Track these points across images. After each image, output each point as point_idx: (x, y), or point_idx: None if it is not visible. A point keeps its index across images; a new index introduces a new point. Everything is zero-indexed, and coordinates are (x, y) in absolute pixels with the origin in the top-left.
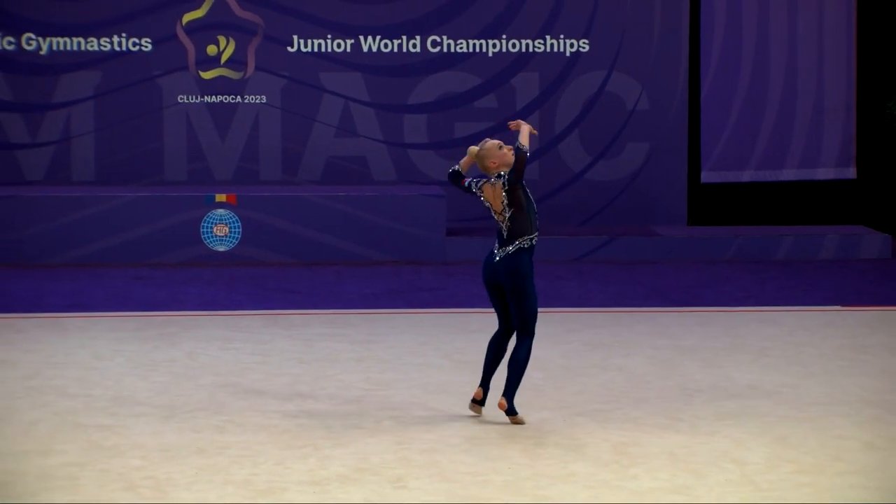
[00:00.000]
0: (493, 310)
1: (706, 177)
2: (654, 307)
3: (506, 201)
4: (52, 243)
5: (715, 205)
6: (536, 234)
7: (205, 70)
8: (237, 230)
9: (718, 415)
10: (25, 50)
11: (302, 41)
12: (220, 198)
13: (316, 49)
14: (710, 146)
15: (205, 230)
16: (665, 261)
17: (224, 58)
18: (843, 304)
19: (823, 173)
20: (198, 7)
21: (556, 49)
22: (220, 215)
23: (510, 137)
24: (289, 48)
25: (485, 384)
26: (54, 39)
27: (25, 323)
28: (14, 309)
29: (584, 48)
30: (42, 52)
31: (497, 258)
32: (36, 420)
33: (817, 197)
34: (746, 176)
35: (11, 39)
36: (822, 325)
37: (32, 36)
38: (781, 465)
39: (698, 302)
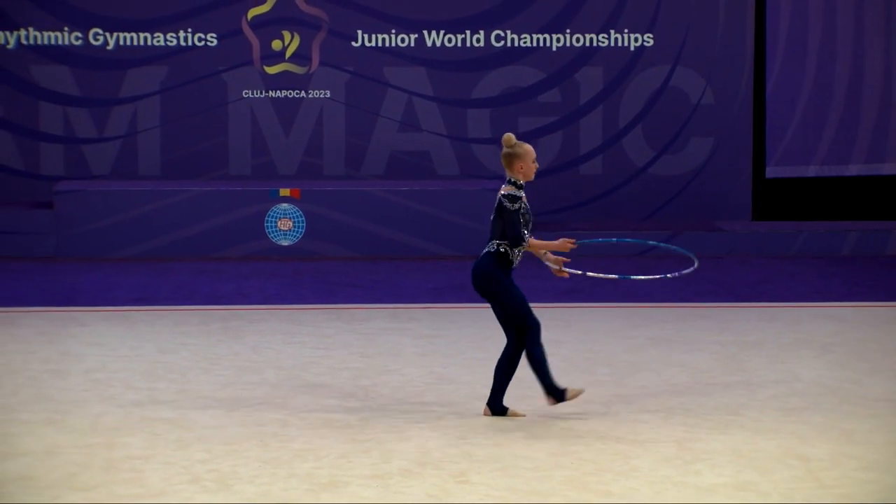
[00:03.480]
0: (533, 304)
1: (771, 171)
2: (719, 302)
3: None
4: (118, 237)
5: (780, 200)
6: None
7: (269, 65)
8: (301, 224)
9: (783, 411)
10: (92, 45)
11: (366, 36)
12: (284, 192)
13: (380, 44)
14: (775, 141)
15: (269, 224)
16: (729, 256)
17: (289, 53)
18: None
19: (890, 168)
20: (263, 2)
21: (620, 43)
22: (284, 210)
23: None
24: (353, 43)
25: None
26: (121, 35)
27: (91, 316)
28: (80, 302)
29: (648, 42)
30: (109, 48)
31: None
32: (101, 413)
33: (884, 192)
34: (812, 171)
35: (79, 35)
36: (888, 321)
37: (100, 31)
38: (846, 462)
39: (763, 297)
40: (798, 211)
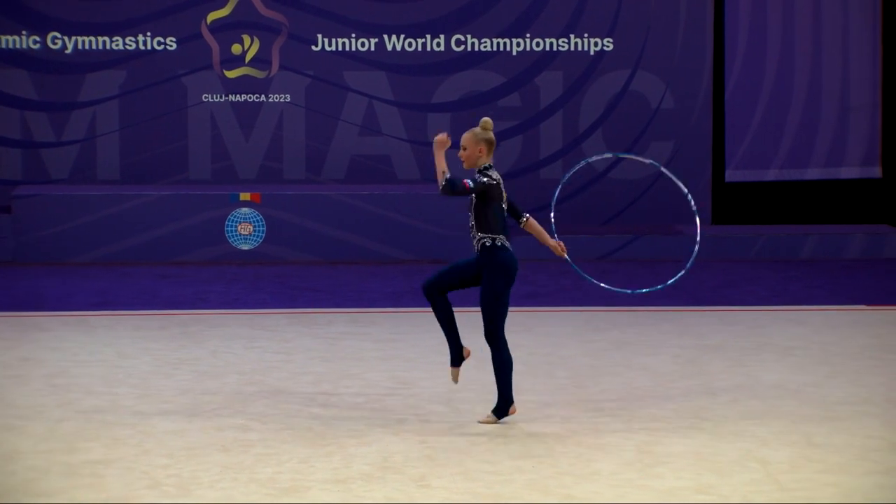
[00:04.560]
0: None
1: (730, 175)
2: (679, 306)
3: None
4: (77, 242)
5: (739, 204)
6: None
7: (229, 69)
8: (261, 229)
9: (743, 414)
10: (51, 49)
11: (326, 40)
12: (245, 196)
13: (340, 48)
14: (734, 145)
15: (229, 229)
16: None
17: (248, 57)
18: (868, 304)
19: (848, 172)
20: (222, 6)
21: (580, 48)
22: (245, 214)
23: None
24: (313, 47)
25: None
26: (80, 38)
27: (51, 321)
28: (40, 307)
29: (608, 47)
30: (67, 51)
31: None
32: (61, 418)
33: (842, 196)
34: (771, 175)
35: (37, 38)
36: (848, 325)
37: (58, 35)
38: (807, 465)
39: (723, 301)
40: (757, 215)
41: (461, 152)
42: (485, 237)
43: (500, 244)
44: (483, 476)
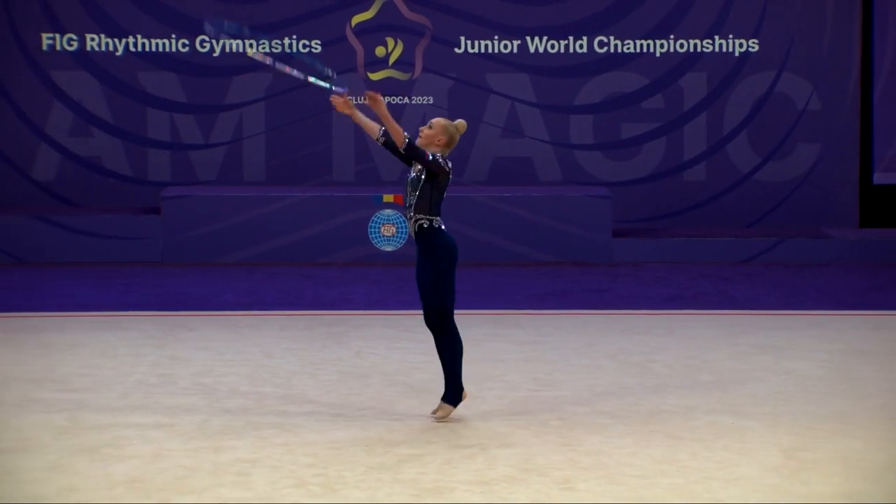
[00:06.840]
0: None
1: (879, 178)
2: (826, 310)
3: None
4: (224, 243)
5: (888, 206)
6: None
7: (373, 71)
8: (404, 230)
9: (893, 420)
10: (199, 52)
11: (469, 42)
12: (388, 198)
13: (483, 50)
14: (882, 146)
15: (372, 230)
16: (836, 263)
17: (392, 59)
18: None
19: None
20: (367, 9)
21: (724, 49)
22: (388, 215)
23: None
24: (456, 49)
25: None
26: (227, 42)
27: (199, 321)
28: (187, 307)
29: (753, 48)
30: (215, 55)
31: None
32: (208, 417)
33: None
34: None
35: (186, 41)
36: None
37: (206, 38)
38: None
39: (871, 305)
40: None
41: (425, 129)
42: (423, 218)
43: (437, 226)
44: (627, 480)
